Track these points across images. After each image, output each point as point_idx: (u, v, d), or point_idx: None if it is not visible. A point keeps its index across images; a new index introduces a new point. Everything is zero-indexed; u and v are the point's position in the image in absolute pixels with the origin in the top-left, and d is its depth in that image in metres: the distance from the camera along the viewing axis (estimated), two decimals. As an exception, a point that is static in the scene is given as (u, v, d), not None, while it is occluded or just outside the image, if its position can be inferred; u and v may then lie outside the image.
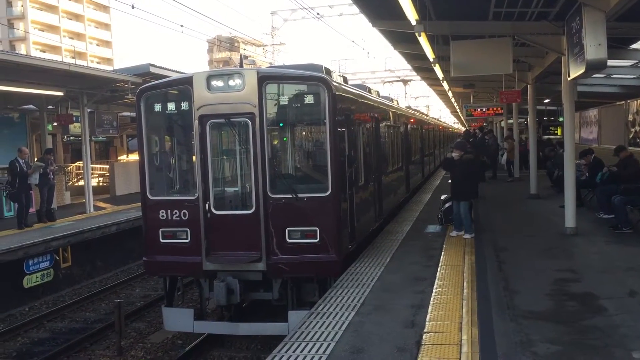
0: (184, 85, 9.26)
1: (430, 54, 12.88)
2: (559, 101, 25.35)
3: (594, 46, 8.20)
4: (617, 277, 8.12)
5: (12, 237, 14.31)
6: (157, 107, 9.55)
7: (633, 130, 17.82)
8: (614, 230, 11.21)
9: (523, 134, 27.18)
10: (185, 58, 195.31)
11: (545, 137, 27.35)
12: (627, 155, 12.95)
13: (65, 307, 13.00)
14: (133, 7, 19.89)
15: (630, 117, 18.09)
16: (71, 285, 14.94)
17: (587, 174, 14.36)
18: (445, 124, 55.18)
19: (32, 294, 13.74)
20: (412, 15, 9.11)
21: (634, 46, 13.78)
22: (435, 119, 47.24)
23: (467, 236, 11.21)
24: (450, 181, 11.94)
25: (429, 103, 70.56)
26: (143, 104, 9.44)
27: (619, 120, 19.53)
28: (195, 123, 9.02)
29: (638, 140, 17.26)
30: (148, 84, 10.06)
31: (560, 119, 27.34)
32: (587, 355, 5.43)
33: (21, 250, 13.26)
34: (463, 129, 53.92)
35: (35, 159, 17.98)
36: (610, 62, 14.85)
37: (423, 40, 10.97)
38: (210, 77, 9.06)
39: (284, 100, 9.30)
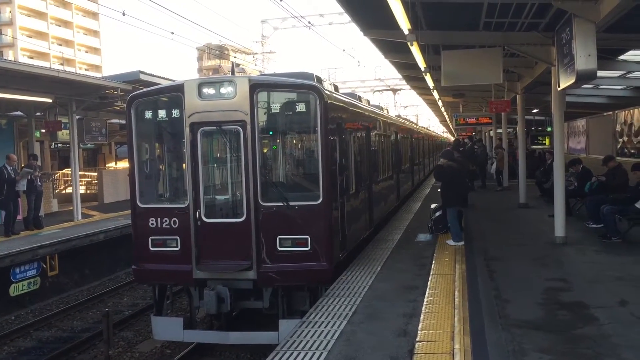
0: (175, 93, 9.22)
1: (421, 64, 12.93)
2: (547, 111, 25.59)
3: (584, 57, 8.27)
4: (608, 287, 8.15)
5: (-2, 245, 14.14)
6: (148, 114, 9.49)
7: (621, 140, 17.96)
8: (603, 240, 11.26)
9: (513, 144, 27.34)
10: (174, 66, 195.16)
11: (533, 146, 27.47)
12: (615, 165, 13.07)
13: (52, 316, 12.85)
14: (124, 14, 19.86)
15: (618, 128, 18.23)
16: (58, 293, 14.77)
17: (575, 184, 14.46)
18: (434, 133, 55.42)
19: (19, 303, 13.58)
20: (404, 24, 9.14)
21: (622, 57, 13.90)
22: (424, 128, 47.45)
23: (452, 243, 11.39)
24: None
25: (419, 112, 71.03)
26: (134, 111, 9.38)
27: (607, 131, 19.68)
28: (187, 130, 8.99)
29: (626, 151, 17.39)
30: (139, 91, 10.02)
31: (549, 129, 27.53)
32: (580, 365, 5.44)
33: (8, 258, 13.10)
34: (452, 138, 54.19)
35: (22, 166, 17.79)
36: (598, 73, 15.00)
37: (415, 49, 11.01)
38: (201, 85, 9.03)
39: (276, 108, 9.29)
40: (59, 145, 27.53)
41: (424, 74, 14.66)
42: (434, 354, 5.76)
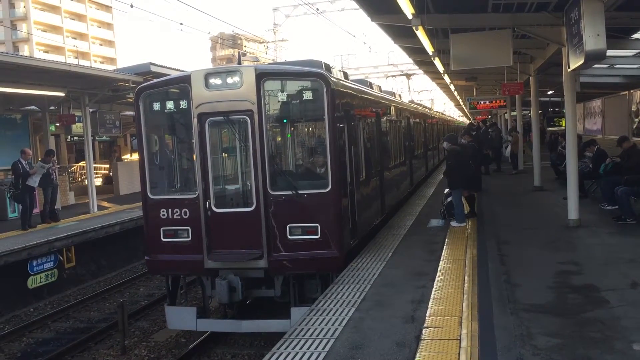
0: (182, 84, 9.25)
1: (429, 48, 12.81)
2: (562, 92, 25.25)
3: (593, 36, 8.14)
4: (620, 269, 8.07)
5: (16, 238, 14.35)
6: (156, 106, 9.52)
7: (637, 120, 17.70)
8: (617, 222, 11.14)
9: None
10: (189, 56, 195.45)
11: (549, 128, 27.19)
12: (630, 146, 12.86)
13: (69, 307, 13.04)
14: (132, 7, 19.90)
15: (634, 107, 17.96)
16: (75, 285, 14.98)
17: (590, 165, 14.29)
18: (449, 117, 55.02)
19: (37, 295, 13.79)
20: (407, 9, 9.05)
21: (635, 36, 13.67)
22: (439, 112, 47.10)
23: (455, 224, 11.66)
24: None
25: (433, 97, 70.30)
26: (142, 103, 9.43)
27: (622, 111, 19.40)
28: (194, 121, 9.01)
29: (642, 131, 17.15)
30: (146, 83, 10.08)
31: (564, 111, 27.18)
32: (587, 348, 5.40)
33: (25, 251, 13.30)
34: (467, 122, 53.76)
35: (39, 160, 18.00)
36: (613, 52, 14.77)
37: (421, 34, 10.91)
38: (208, 75, 9.04)
39: (283, 97, 9.27)
40: (74, 138, 27.79)
41: (432, 58, 14.53)
42: (440, 339, 5.76)
